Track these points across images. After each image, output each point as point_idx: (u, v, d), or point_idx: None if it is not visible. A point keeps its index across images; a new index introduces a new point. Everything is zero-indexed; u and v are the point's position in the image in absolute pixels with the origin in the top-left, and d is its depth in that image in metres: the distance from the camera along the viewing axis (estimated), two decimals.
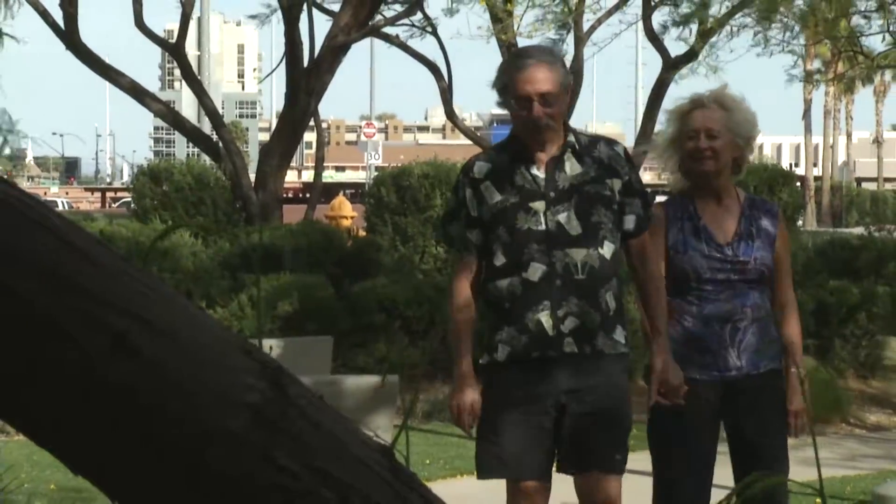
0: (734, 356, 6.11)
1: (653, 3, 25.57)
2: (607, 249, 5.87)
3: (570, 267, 5.78)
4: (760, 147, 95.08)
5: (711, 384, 6.14)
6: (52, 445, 1.48)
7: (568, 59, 28.78)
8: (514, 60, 6.13)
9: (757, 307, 6.17)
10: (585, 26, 25.84)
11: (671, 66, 26.34)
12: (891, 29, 20.00)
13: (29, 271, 1.38)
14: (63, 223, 1.43)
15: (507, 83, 5.93)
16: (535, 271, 5.79)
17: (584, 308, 5.80)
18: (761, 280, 6.20)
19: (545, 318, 5.77)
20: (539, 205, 5.85)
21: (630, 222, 6.01)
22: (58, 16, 21.76)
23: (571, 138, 5.96)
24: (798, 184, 24.32)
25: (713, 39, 25.52)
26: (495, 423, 5.87)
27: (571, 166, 5.93)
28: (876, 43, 23.73)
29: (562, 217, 5.83)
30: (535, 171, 5.91)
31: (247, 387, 1.44)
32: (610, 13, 26.94)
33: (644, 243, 6.08)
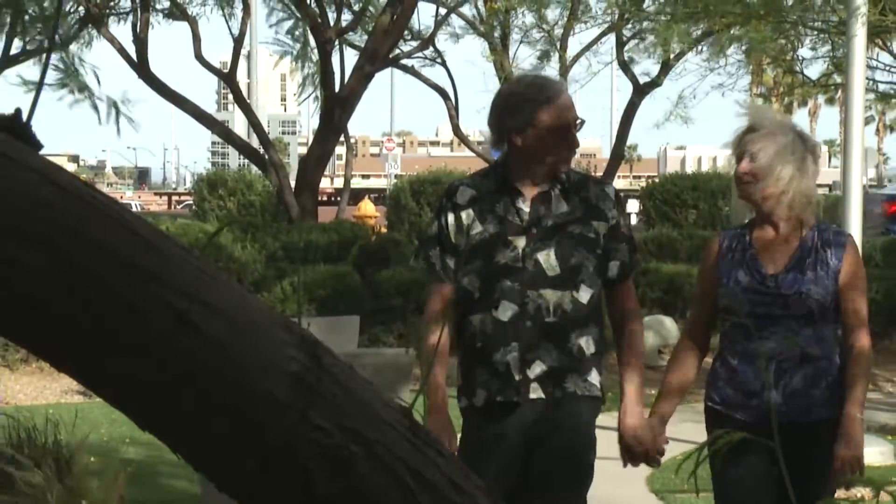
0: (777, 399, 4.73)
1: (624, 39, 25.61)
2: (584, 294, 4.78)
3: (541, 309, 4.72)
4: (714, 158, 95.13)
5: (756, 429, 4.43)
6: (125, 406, 1.48)
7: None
8: (542, 87, 4.86)
9: (808, 347, 4.76)
10: (569, 58, 25.86)
11: (639, 92, 26.40)
12: (833, 58, 19.99)
13: (109, 260, 1.38)
14: (136, 220, 1.43)
15: (534, 110, 4.72)
16: (506, 310, 4.73)
17: (551, 352, 4.73)
18: (813, 317, 4.76)
19: (513, 360, 4.73)
20: (520, 241, 4.78)
21: (614, 269, 4.92)
22: (132, 50, 21.81)
23: (562, 175, 4.86)
24: None
25: (675, 69, 25.49)
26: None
27: (558, 204, 4.82)
28: (812, 72, 23.70)
29: (541, 256, 4.76)
30: (520, 204, 4.80)
31: (288, 357, 1.44)
32: (588, 47, 26.97)
33: (629, 291, 5.03)
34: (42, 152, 1.50)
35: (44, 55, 18.43)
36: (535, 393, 4.75)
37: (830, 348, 4.82)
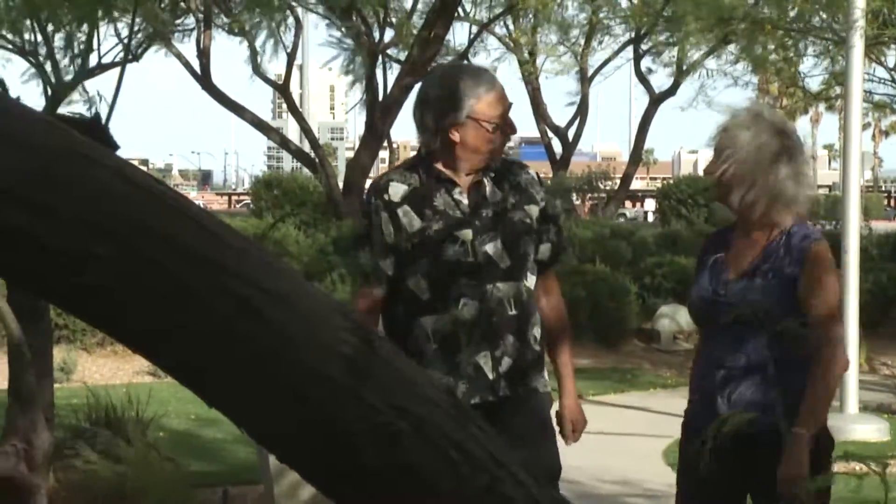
0: (724, 406, 4.16)
1: (641, 52, 25.59)
2: (531, 281, 4.31)
3: (503, 302, 4.19)
4: None
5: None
6: (193, 385, 1.47)
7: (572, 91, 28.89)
8: (476, 79, 4.25)
9: (756, 355, 4.17)
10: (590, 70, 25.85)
11: (655, 101, 26.38)
12: (833, 72, 19.97)
13: (176, 250, 1.38)
14: (202, 214, 1.42)
15: (471, 103, 4.17)
16: (469, 308, 4.16)
17: (517, 347, 4.23)
18: (761, 326, 4.09)
19: (483, 360, 4.19)
20: (466, 233, 4.19)
21: (545, 251, 4.42)
22: (196, 64, 21.90)
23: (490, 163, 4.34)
24: None
25: (688, 78, 25.45)
26: None
27: (492, 192, 4.28)
28: (813, 82, 23.65)
29: (490, 247, 4.20)
30: (457, 195, 4.22)
31: (342, 341, 1.43)
32: (608, 61, 26.97)
33: (553, 274, 4.55)
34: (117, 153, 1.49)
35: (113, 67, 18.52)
36: (504, 391, 4.22)
37: (785, 358, 4.12)
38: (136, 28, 14.15)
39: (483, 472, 1.48)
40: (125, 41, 14.34)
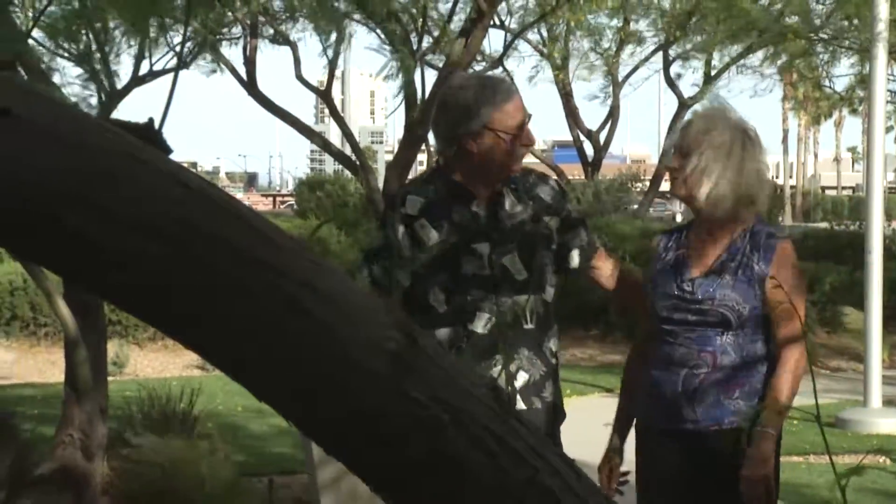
0: (688, 407, 3.96)
1: (670, 58, 25.53)
2: (549, 294, 4.11)
3: (518, 316, 4.01)
4: None
5: (672, 436, 4.03)
6: (242, 380, 1.47)
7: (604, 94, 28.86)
8: (493, 88, 4.00)
9: (722, 354, 3.94)
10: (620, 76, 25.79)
11: (684, 105, 26.31)
12: (857, 75, 19.89)
13: (227, 250, 1.37)
14: (252, 215, 1.42)
15: (488, 112, 3.93)
16: (482, 321, 3.96)
17: (532, 360, 4.04)
18: (730, 325, 3.92)
19: (498, 373, 4.02)
20: (483, 247, 4.00)
21: (575, 259, 4.22)
22: (242, 71, 21.97)
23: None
24: (778, 191, 24.13)
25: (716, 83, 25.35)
26: None
27: (511, 203, 4.08)
28: (838, 86, 23.54)
29: (507, 260, 4.01)
30: (475, 207, 4.02)
31: (387, 337, 1.43)
32: (637, 67, 26.90)
33: (602, 253, 4.31)
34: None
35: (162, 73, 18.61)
36: (518, 405, 4.02)
37: (752, 357, 3.96)
38: (187, 37, 14.20)
39: (523, 464, 1.47)
40: (178, 48, 14.40)
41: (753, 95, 24.15)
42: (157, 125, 1.49)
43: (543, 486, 1.49)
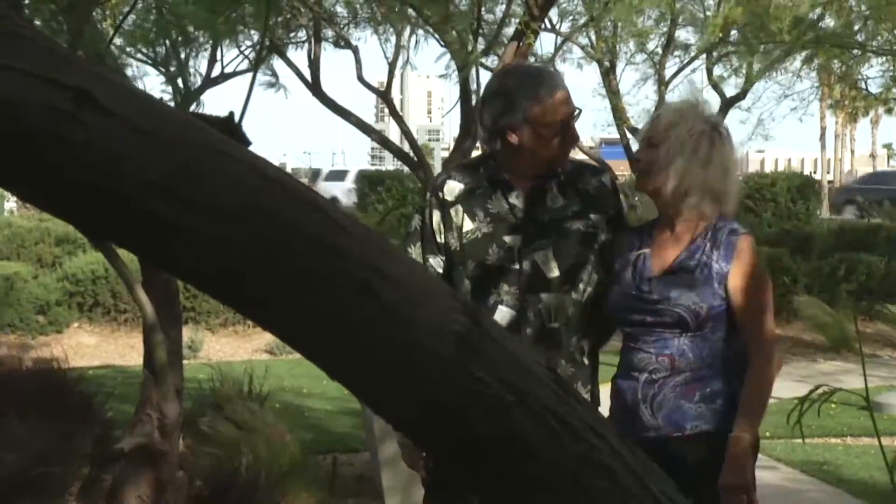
0: (647, 414, 3.54)
1: (713, 59, 25.35)
2: (584, 294, 3.68)
3: (541, 313, 3.63)
4: (789, 160, 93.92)
5: (638, 446, 2.53)
6: (316, 359, 1.47)
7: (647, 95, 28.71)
8: (536, 80, 3.70)
9: (680, 357, 3.52)
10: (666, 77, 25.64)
11: (726, 105, 26.11)
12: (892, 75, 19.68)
13: (303, 237, 1.38)
14: (327, 205, 1.42)
15: (528, 105, 3.61)
16: (504, 316, 3.61)
17: (555, 359, 3.61)
18: (686, 325, 3.50)
19: None
20: (514, 239, 3.64)
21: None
22: (307, 73, 22.04)
23: (558, 168, 3.74)
24: (817, 186, 23.94)
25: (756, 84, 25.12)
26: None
27: (553, 198, 3.70)
28: (873, 86, 23.26)
29: (538, 256, 3.64)
30: (513, 199, 3.67)
31: (453, 320, 1.42)
32: (682, 69, 26.73)
33: None
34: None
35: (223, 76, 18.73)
36: None
37: (713, 359, 3.52)
38: (257, 43, 14.28)
39: (582, 441, 1.47)
40: (254, 49, 14.51)
41: (789, 93, 23.87)
42: (236, 119, 1.49)
43: (601, 462, 1.48)
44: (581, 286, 3.67)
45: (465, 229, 3.67)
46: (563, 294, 3.64)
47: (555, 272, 3.64)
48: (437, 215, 3.71)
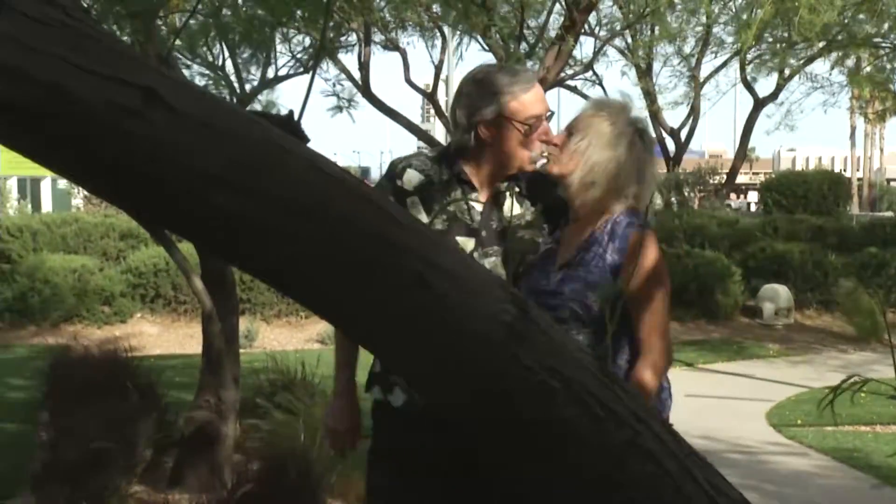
0: None
1: (746, 61, 25.14)
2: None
3: None
4: (819, 158, 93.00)
5: None
6: (371, 347, 1.46)
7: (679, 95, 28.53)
8: (513, 76, 3.43)
9: None
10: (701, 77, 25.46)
11: (759, 105, 25.92)
12: None
13: (359, 229, 1.37)
14: (382, 199, 1.41)
15: (505, 100, 3.35)
16: None
17: None
18: (581, 320, 3.24)
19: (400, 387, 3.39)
20: (468, 242, 3.38)
21: None
22: (357, 75, 22.09)
23: (520, 174, 3.45)
24: (847, 183, 23.69)
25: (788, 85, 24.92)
26: (382, 479, 3.48)
27: (510, 204, 3.45)
28: None
29: (488, 262, 3.36)
30: (472, 201, 3.42)
31: (502, 310, 1.41)
32: (718, 70, 26.53)
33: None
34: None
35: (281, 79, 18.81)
36: None
37: (614, 355, 3.26)
38: (309, 46, 14.33)
39: (625, 427, 1.45)
40: (308, 53, 14.56)
41: (818, 87, 23.69)
42: (296, 117, 1.49)
43: (644, 447, 1.46)
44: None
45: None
46: None
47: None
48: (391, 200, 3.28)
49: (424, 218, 3.33)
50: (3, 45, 1.23)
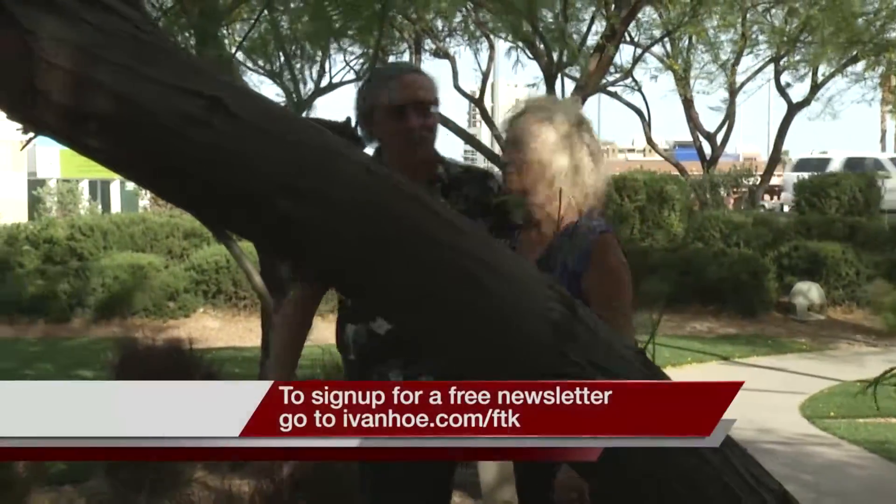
0: None
1: (780, 67, 24.94)
2: None
3: None
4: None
5: None
6: (425, 341, 1.46)
7: (714, 102, 28.30)
8: (385, 70, 3.30)
9: None
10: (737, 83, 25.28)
11: (793, 109, 25.70)
12: None
13: (412, 230, 1.36)
14: (435, 202, 1.41)
15: (377, 94, 3.08)
16: (384, 324, 2.98)
17: (416, 371, 2.94)
18: None
19: (395, 376, 3.05)
20: None
21: None
22: None
23: (441, 169, 3.21)
24: (878, 184, 23.41)
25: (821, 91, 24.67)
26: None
27: (436, 197, 2.99)
28: None
29: None
30: None
31: (550, 308, 1.40)
32: (751, 77, 26.33)
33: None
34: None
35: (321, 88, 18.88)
36: None
37: None
38: (362, 54, 14.38)
39: None
40: (361, 60, 14.61)
41: (856, 100, 23.61)
42: (352, 123, 1.48)
43: None
44: None
45: None
46: None
47: None
48: None
49: None
50: (78, 58, 1.23)
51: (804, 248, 17.19)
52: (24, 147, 2.85)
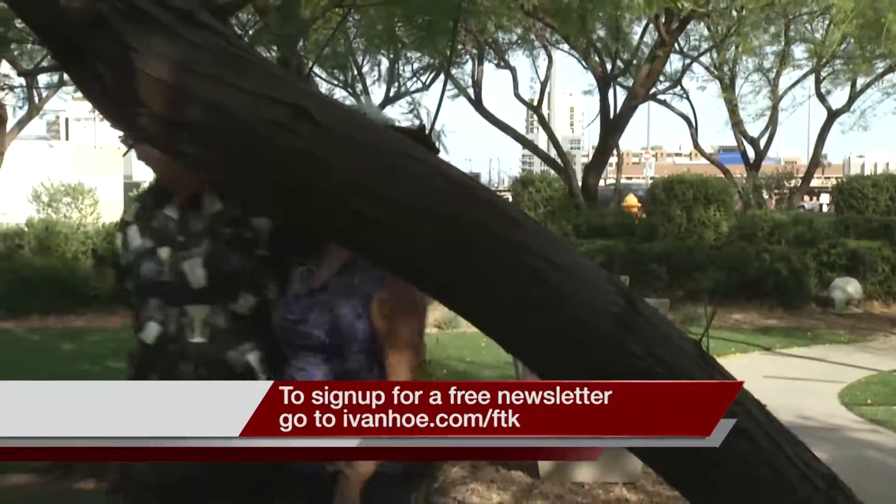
0: None
1: (821, 77, 24.57)
2: (244, 304, 2.72)
3: (184, 328, 2.73)
4: (887, 164, 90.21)
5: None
6: (494, 334, 1.44)
7: (758, 107, 27.93)
8: None
9: None
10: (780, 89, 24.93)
11: (832, 116, 25.32)
12: None
13: (483, 231, 1.35)
14: (501, 202, 1.39)
15: None
16: (151, 333, 2.77)
17: (206, 377, 2.69)
18: (325, 350, 2.58)
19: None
20: (165, 251, 2.80)
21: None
22: (470, 91, 22.09)
23: None
24: None
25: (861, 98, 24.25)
26: None
27: (211, 203, 2.80)
28: None
29: (185, 265, 2.75)
30: (168, 211, 2.83)
31: (611, 302, 1.38)
32: (792, 86, 25.96)
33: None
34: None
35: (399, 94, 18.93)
36: None
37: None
38: (428, 65, 14.43)
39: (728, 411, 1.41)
40: (430, 71, 14.69)
41: (891, 92, 23.08)
42: (427, 129, 1.47)
43: (740, 426, 1.41)
44: (241, 297, 2.75)
45: (133, 247, 2.87)
46: (210, 306, 2.74)
47: (201, 281, 2.75)
48: (119, 237, 2.94)
49: (139, 242, 2.87)
50: (175, 70, 1.24)
51: (843, 246, 16.99)
52: (125, 154, 2.85)
